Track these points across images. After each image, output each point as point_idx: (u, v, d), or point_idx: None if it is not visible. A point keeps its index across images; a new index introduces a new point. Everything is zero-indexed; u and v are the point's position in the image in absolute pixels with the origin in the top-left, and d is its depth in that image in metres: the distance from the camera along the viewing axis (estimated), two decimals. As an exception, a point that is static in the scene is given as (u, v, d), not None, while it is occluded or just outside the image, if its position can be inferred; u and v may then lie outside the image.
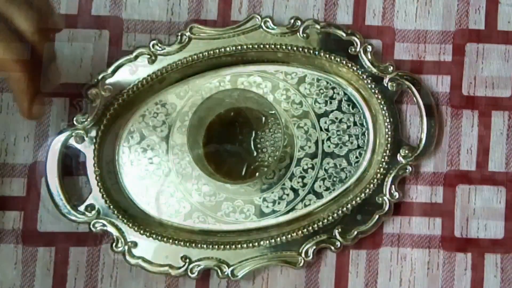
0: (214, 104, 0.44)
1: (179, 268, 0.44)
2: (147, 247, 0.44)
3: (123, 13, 0.47)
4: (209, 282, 0.45)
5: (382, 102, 0.45)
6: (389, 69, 0.45)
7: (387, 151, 0.45)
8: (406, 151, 0.45)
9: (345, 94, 0.46)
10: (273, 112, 0.43)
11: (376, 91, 0.45)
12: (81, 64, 0.47)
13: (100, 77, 0.45)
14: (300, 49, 0.45)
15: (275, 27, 0.46)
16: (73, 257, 0.46)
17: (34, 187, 0.46)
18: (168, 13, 0.47)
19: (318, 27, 0.46)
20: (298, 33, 0.46)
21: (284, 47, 0.45)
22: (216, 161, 0.45)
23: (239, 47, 0.45)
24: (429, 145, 0.46)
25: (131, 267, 0.45)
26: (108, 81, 0.45)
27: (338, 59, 0.45)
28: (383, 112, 0.45)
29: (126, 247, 0.44)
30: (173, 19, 0.47)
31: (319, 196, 0.46)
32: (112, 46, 0.47)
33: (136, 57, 0.45)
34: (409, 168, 0.45)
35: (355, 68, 0.45)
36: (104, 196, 0.44)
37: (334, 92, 0.46)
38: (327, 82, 0.46)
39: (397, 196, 0.45)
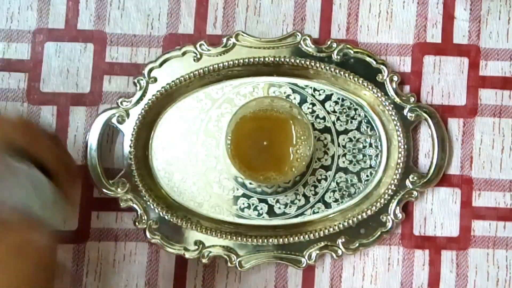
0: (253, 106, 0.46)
1: (193, 251, 0.47)
2: (166, 227, 0.47)
3: (106, 28, 0.49)
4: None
5: (399, 130, 0.48)
6: (411, 100, 0.48)
7: (397, 175, 0.48)
8: (415, 178, 0.48)
9: (365, 116, 0.49)
10: (306, 123, 0.45)
11: (396, 119, 0.48)
12: (67, 75, 0.49)
13: (148, 67, 0.47)
14: (332, 69, 0.48)
15: (312, 46, 0.48)
16: (60, 254, 0.46)
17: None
18: (148, 27, 0.49)
19: (352, 52, 0.48)
20: (332, 54, 0.48)
21: (318, 65, 0.48)
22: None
23: (277, 59, 0.48)
24: (437, 175, 0.48)
25: (114, 263, 0.48)
26: (154, 72, 0.48)
27: (366, 84, 0.48)
28: (399, 138, 0.48)
29: (148, 225, 0.47)
30: (152, 33, 0.49)
31: (327, 206, 0.48)
32: (96, 58, 0.49)
33: (184, 54, 0.48)
34: (416, 193, 0.48)
35: (379, 95, 0.48)
36: (135, 174, 0.47)
37: (355, 113, 0.49)
38: (351, 103, 0.49)
39: (400, 217, 0.48)
